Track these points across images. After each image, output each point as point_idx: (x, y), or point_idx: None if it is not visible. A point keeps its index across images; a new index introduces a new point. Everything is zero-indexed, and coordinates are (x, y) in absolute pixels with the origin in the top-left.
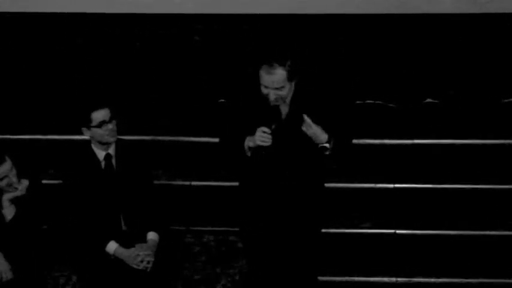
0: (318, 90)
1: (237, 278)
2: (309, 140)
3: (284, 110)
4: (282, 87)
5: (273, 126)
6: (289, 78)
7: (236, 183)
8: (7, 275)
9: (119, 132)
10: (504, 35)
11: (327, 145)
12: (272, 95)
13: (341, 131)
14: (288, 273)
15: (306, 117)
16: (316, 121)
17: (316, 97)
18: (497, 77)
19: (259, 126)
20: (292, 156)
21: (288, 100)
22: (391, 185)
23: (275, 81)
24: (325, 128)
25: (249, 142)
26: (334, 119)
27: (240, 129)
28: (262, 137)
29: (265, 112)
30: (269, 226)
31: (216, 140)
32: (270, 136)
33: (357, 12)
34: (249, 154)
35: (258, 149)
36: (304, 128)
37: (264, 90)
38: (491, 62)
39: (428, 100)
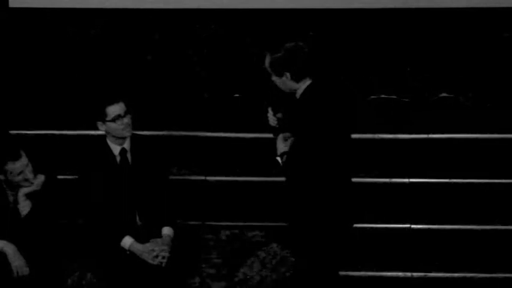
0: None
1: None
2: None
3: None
4: (270, 74)
5: (279, 114)
6: (272, 69)
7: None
8: (23, 270)
9: (134, 127)
10: None
11: (279, 159)
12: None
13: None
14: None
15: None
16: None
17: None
18: None
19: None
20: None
21: (298, 95)
22: (407, 180)
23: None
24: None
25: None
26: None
27: None
28: (269, 117)
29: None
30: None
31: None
32: (274, 118)
33: (372, 7)
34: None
35: (273, 131)
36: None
37: None
38: (506, 56)
39: (444, 94)
